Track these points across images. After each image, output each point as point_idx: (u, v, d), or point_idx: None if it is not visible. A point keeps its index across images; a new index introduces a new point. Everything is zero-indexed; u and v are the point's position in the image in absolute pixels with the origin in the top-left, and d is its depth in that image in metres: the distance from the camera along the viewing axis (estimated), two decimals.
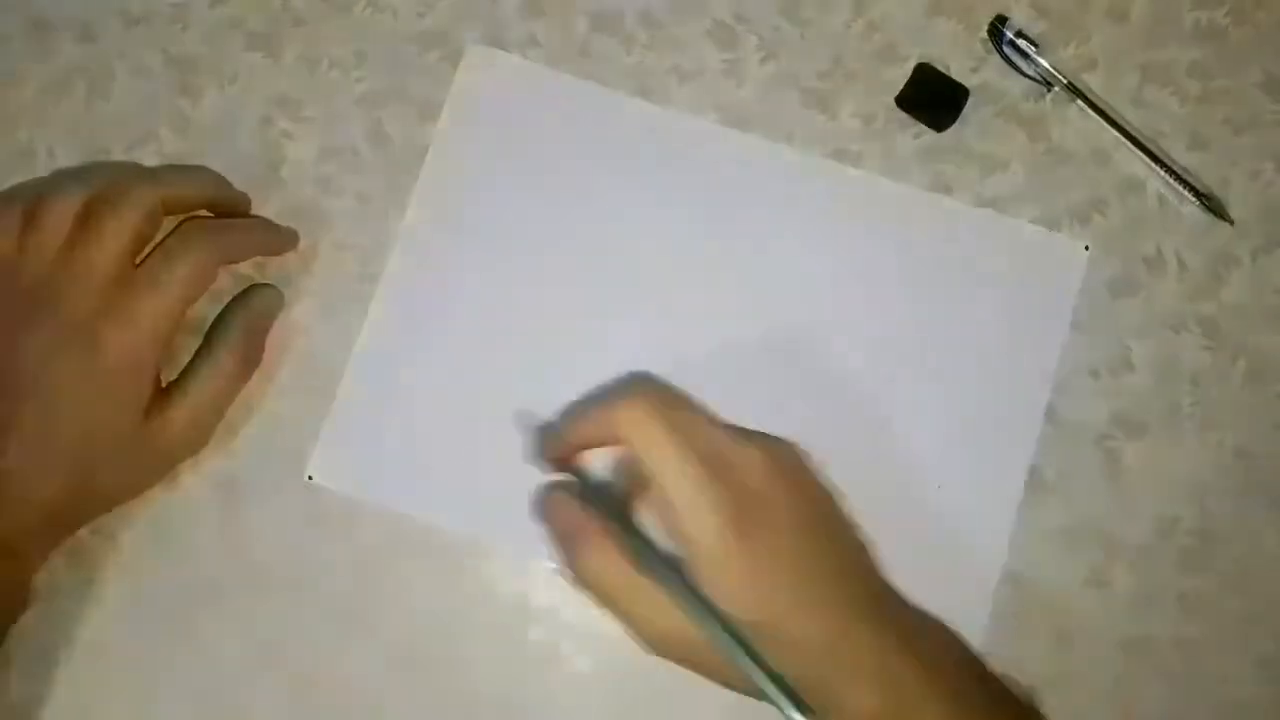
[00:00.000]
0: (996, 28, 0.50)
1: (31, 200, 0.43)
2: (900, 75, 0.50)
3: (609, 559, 0.40)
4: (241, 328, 0.46)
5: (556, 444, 0.43)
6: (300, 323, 0.48)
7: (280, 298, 0.48)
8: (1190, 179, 0.49)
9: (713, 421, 0.41)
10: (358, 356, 0.48)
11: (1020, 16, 0.51)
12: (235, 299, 0.47)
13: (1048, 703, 0.44)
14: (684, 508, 0.38)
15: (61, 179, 0.45)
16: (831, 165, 0.50)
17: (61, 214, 0.42)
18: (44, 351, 0.42)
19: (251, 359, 0.47)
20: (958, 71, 0.50)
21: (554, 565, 0.47)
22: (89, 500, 0.44)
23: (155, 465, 0.45)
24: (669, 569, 0.39)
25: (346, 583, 0.47)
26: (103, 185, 0.43)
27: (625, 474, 0.44)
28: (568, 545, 0.41)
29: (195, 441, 0.46)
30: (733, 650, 0.38)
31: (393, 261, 0.49)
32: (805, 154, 0.50)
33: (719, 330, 0.49)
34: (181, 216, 0.46)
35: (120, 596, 0.47)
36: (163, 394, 0.44)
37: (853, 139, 0.50)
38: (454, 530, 0.47)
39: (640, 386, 0.41)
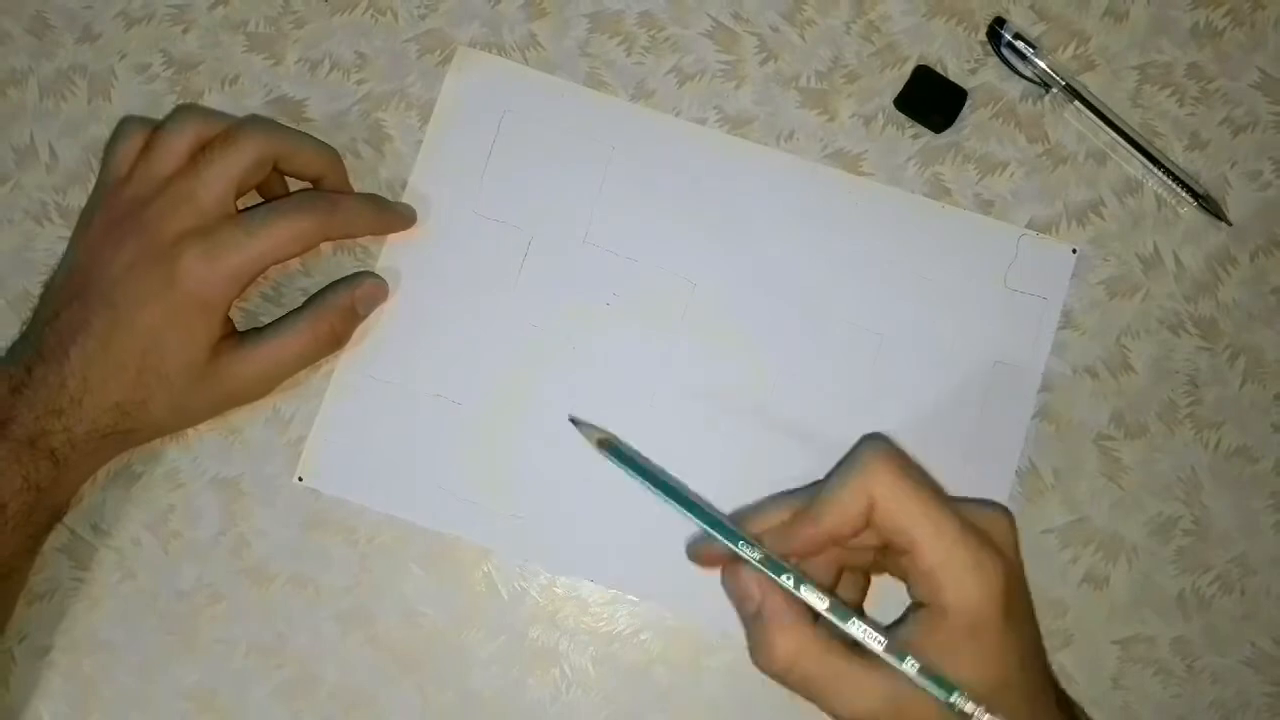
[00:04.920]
0: (995, 30, 0.50)
1: (153, 130, 0.45)
2: (899, 77, 0.50)
3: (806, 647, 0.36)
4: (339, 305, 0.47)
5: (809, 542, 0.38)
6: None
7: (385, 292, 0.48)
8: (1188, 180, 0.49)
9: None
10: (344, 360, 0.48)
11: (1019, 18, 0.51)
12: (343, 279, 0.48)
13: None
14: (957, 572, 0.36)
15: (186, 113, 0.46)
16: (825, 170, 0.50)
17: (176, 146, 0.44)
18: (126, 265, 0.43)
19: (339, 336, 0.47)
20: (956, 73, 0.51)
21: (543, 578, 0.47)
22: (139, 422, 0.44)
23: (209, 403, 0.46)
24: (889, 640, 0.37)
25: (346, 582, 0.47)
26: (222, 126, 0.45)
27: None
28: (761, 628, 0.37)
29: (255, 392, 0.46)
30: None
31: (380, 263, 0.49)
32: (801, 158, 0.50)
33: (710, 332, 0.49)
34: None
35: (120, 596, 0.47)
36: (237, 338, 0.45)
37: (851, 140, 0.50)
38: (444, 531, 0.48)
39: (881, 449, 0.38)
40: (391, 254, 0.49)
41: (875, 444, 0.39)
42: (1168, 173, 0.49)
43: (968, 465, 0.48)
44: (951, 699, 0.36)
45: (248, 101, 0.50)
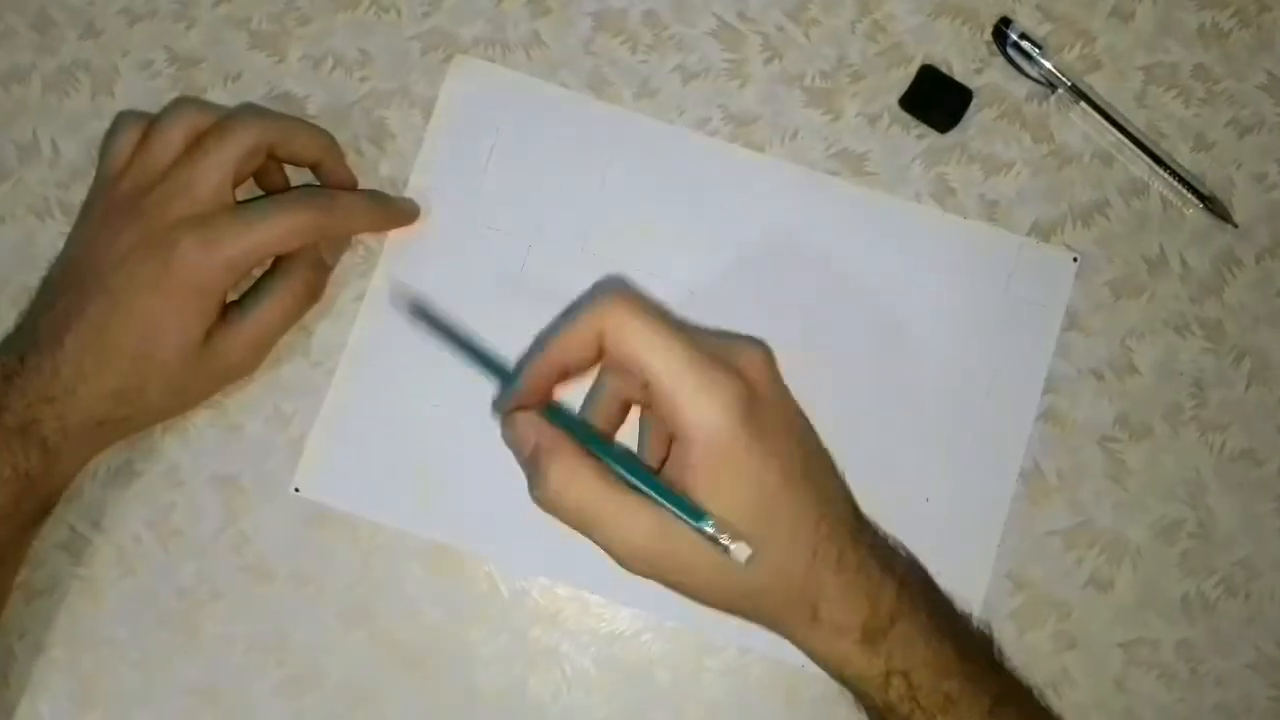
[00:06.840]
0: (1001, 29, 0.50)
1: (150, 122, 0.45)
2: (904, 76, 0.50)
3: (579, 475, 0.37)
4: (308, 261, 0.47)
5: (538, 373, 0.40)
6: (303, 320, 0.48)
7: (347, 242, 0.49)
8: (1194, 181, 0.49)
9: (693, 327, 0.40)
10: (342, 371, 0.48)
11: (1025, 18, 0.51)
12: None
13: (1048, 702, 0.44)
14: (690, 394, 0.36)
15: (181, 106, 0.46)
16: (825, 177, 0.50)
17: (172, 138, 0.45)
18: (122, 252, 0.43)
19: (314, 290, 0.47)
20: (961, 73, 0.50)
21: (545, 580, 0.47)
22: (135, 408, 0.44)
23: (205, 385, 0.46)
24: (645, 471, 0.37)
25: (347, 581, 0.47)
26: (218, 117, 0.45)
27: (601, 397, 0.43)
28: (536, 464, 0.38)
29: (247, 366, 0.46)
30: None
31: (377, 272, 0.49)
32: (801, 166, 0.50)
33: None
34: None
35: (121, 592, 0.47)
36: (222, 316, 0.45)
37: (856, 140, 0.50)
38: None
39: (617, 288, 0.39)
40: (391, 264, 0.49)
41: (612, 284, 0.41)
42: (1173, 174, 0.49)
43: (971, 467, 0.48)
44: (700, 524, 0.35)
45: (250, 98, 0.50)
